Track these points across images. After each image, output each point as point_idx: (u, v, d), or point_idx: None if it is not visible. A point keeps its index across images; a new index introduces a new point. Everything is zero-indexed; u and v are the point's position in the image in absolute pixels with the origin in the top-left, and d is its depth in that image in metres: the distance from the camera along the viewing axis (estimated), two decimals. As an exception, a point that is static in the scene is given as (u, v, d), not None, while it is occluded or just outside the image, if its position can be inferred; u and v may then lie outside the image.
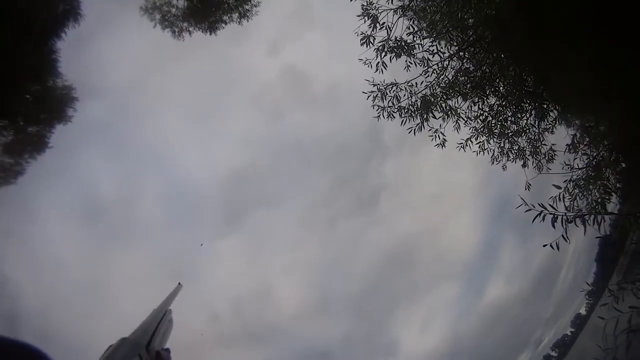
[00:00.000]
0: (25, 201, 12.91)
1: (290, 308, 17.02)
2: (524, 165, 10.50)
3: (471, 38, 9.60)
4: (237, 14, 11.62)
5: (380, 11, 8.87)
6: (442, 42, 9.21)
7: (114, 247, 14.22)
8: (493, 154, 9.79)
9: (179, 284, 1.83)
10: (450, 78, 8.95)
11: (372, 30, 8.71)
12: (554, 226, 6.63)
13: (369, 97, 8.62)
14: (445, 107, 8.83)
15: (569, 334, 17.14)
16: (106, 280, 14.00)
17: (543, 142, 11.05)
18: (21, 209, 13.00)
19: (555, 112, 11.14)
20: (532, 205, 6.65)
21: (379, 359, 18.30)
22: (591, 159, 10.94)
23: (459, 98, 8.99)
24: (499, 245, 19.32)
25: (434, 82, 8.84)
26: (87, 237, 14.13)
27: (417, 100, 8.71)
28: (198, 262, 15.50)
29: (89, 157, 13.95)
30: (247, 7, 11.64)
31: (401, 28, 9.00)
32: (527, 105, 10.54)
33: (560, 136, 11.32)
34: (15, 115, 12.93)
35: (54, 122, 12.81)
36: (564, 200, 8.49)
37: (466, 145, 9.19)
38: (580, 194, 9.80)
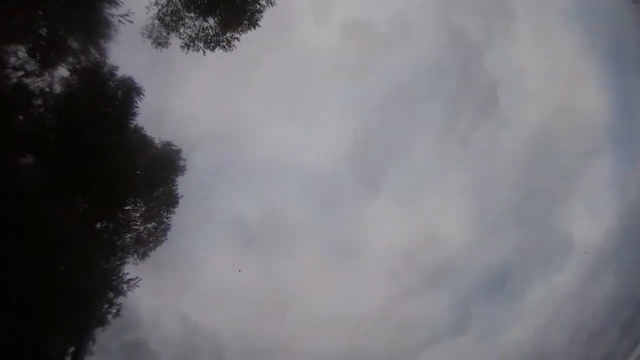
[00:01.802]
0: (183, 250, 13.98)
1: (457, 242, 16.49)
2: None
3: None
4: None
5: None
6: None
7: (278, 258, 14.90)
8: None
9: None
10: None
11: None
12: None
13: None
14: None
15: None
16: (285, 289, 14.60)
17: None
18: (183, 258, 14.07)
19: None
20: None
21: (556, 259, 16.83)
22: None
23: None
24: (633, 96, 17.16)
25: None
26: (251, 259, 14.94)
27: None
28: (359, 235, 15.72)
29: (219, 191, 14.99)
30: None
31: None
32: None
33: None
34: (138, 190, 14.22)
35: (173, 177, 14.00)
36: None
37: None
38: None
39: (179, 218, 13.85)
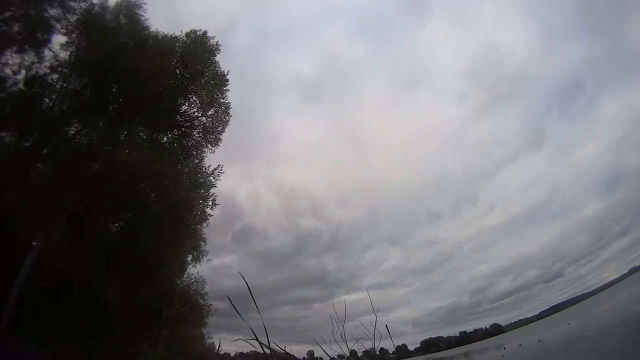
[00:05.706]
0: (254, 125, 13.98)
1: (521, 53, 15.54)
2: None
3: None
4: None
5: None
6: None
7: (347, 102, 14.72)
8: None
9: None
10: None
11: None
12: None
13: None
14: None
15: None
16: (361, 130, 14.50)
17: None
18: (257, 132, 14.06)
19: None
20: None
21: (630, 74, 15.35)
22: None
23: None
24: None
25: None
26: (322, 110, 14.93)
27: None
28: (419, 62, 15.09)
29: (269, 58, 14.62)
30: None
31: None
32: None
33: None
34: (184, 87, 13.95)
35: (211, 58, 13.74)
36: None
37: None
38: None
39: (236, 95, 13.70)
